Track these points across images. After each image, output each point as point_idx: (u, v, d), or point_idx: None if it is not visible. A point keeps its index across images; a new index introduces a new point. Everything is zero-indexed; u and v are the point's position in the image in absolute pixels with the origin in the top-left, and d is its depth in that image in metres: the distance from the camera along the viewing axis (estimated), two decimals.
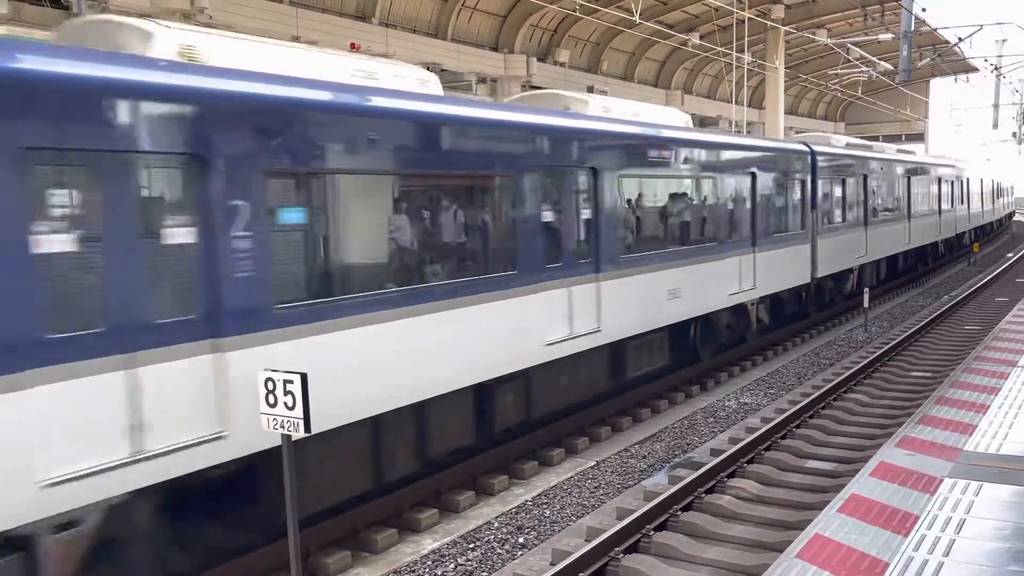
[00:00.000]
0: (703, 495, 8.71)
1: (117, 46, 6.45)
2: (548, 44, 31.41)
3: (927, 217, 27.22)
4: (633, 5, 26.16)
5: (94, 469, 5.46)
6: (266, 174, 6.53)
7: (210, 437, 6.14)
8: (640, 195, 11.76)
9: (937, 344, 16.73)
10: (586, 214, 10.37)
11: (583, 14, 27.90)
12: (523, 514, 8.65)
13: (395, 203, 8.03)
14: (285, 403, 5.50)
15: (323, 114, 7.07)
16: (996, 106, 54.41)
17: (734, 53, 29.83)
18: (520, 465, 9.78)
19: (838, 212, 19.02)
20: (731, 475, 9.37)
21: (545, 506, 8.87)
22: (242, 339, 6.30)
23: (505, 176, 9.12)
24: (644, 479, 9.66)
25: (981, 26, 30.86)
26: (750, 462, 9.82)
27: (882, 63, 33.66)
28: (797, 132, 33.10)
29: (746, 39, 30.56)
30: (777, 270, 15.80)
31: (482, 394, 9.07)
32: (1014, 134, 60.56)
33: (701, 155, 13.24)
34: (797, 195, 16.86)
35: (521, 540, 8.04)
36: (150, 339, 5.74)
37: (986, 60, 38.63)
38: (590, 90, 28.34)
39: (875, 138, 40.49)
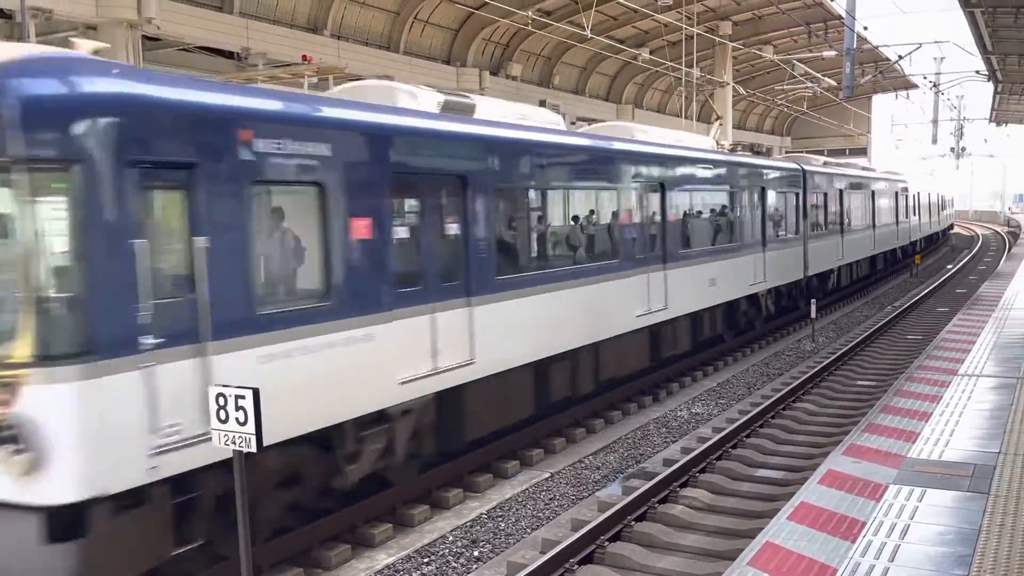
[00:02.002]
0: (656, 505, 8.77)
1: (393, 101, 9.40)
2: (500, 58, 31.58)
3: (888, 227, 30.68)
4: (584, 20, 26.42)
5: (418, 376, 8.54)
6: (496, 190, 9.84)
7: (466, 363, 9.19)
8: (691, 206, 15.24)
9: (881, 354, 17.07)
10: (656, 218, 13.55)
11: (535, 28, 28.10)
12: (478, 527, 8.62)
13: (567, 206, 11.79)
14: (237, 419, 5.43)
15: (528, 148, 10.58)
16: (935, 121, 56.06)
17: (683, 68, 30.29)
18: (475, 478, 9.75)
19: (822, 221, 22.54)
20: (683, 484, 9.45)
21: (500, 519, 8.85)
22: (480, 299, 9.44)
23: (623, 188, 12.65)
24: (598, 490, 9.69)
25: (920, 44, 31.80)
26: (702, 471, 9.91)
27: (826, 79, 34.48)
28: (744, 147, 33.66)
29: (695, 54, 31.04)
30: (782, 267, 19.32)
31: (596, 349, 12.01)
32: (952, 149, 62.41)
33: (727, 173, 16.77)
34: (793, 206, 20.31)
35: (476, 553, 8.00)
36: (440, 296, 8.87)
37: (925, 77, 39.84)
38: (542, 104, 28.47)
39: (820, 152, 41.34)
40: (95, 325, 5.80)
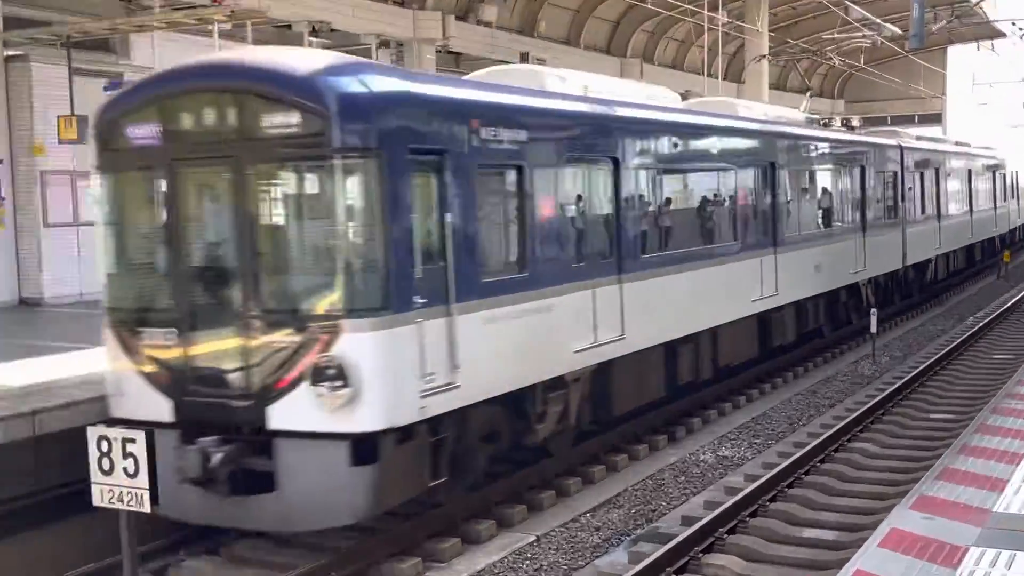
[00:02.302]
0: None
1: (541, 85, 12.54)
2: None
3: (986, 212, 33.56)
4: None
5: (585, 347, 11.72)
6: (640, 170, 13.17)
7: (617, 338, 12.29)
8: (797, 187, 18.54)
9: (960, 379, 17.24)
10: (767, 200, 16.90)
11: None
12: None
13: (694, 186, 15.63)
14: (125, 468, 5.40)
15: (668, 129, 14.22)
16: None
17: (705, 12, 30.41)
18: (438, 544, 9.77)
19: (920, 205, 25.43)
20: (707, 549, 9.47)
21: None
22: (629, 276, 12.56)
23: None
24: (597, 557, 9.69)
25: None
26: (731, 532, 9.92)
27: (889, 26, 34.79)
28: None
29: None
30: (881, 255, 22.24)
31: (714, 334, 15.12)
32: None
33: (830, 151, 20.11)
34: (891, 187, 23.31)
35: None
36: (599, 273, 12.02)
37: (1014, 23, 40.03)
38: (524, 59, 28.46)
39: (883, 120, 41.69)
40: (388, 286, 8.96)
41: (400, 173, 9.15)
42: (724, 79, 41.44)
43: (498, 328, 10.25)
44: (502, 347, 10.31)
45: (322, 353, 8.82)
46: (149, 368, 9.61)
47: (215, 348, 9.50)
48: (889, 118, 46.17)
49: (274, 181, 9.64)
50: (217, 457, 8.99)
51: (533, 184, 10.95)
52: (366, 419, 8.79)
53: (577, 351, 11.55)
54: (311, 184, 9.73)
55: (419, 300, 9.20)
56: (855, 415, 14.04)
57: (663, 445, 13.63)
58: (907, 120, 52.89)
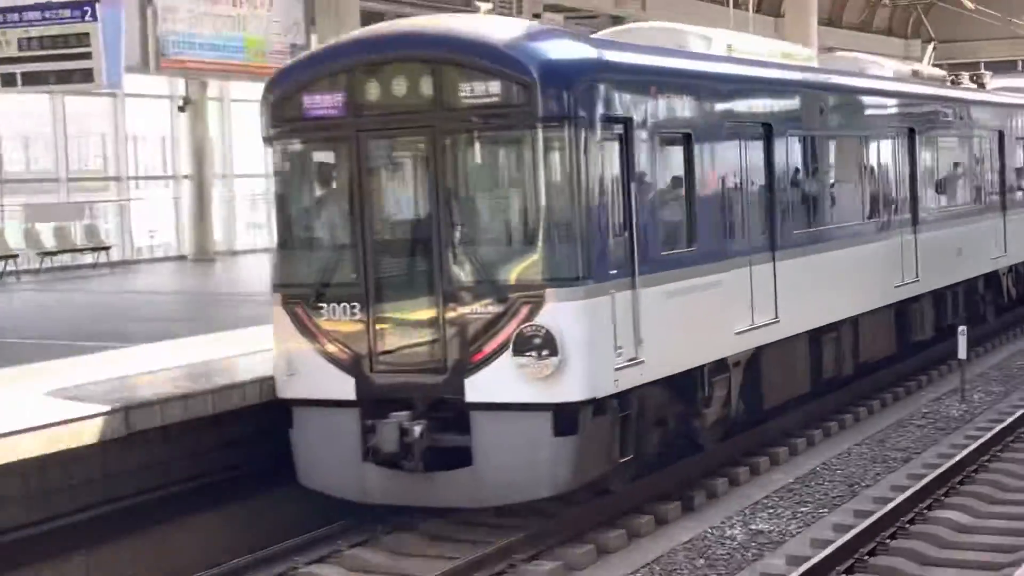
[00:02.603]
0: None
1: (683, 45, 15.00)
2: None
3: None
4: None
5: (745, 329, 14.11)
6: (792, 138, 15.61)
7: (771, 321, 14.56)
8: (937, 157, 20.90)
9: None
10: (907, 172, 19.59)
11: None
12: None
13: (842, 155, 18.67)
14: None
15: (818, 91, 17.00)
16: None
17: None
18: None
19: None
20: None
21: None
22: (781, 253, 14.88)
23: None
24: None
25: None
26: None
27: None
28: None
29: None
30: (1022, 238, 24.86)
31: (855, 324, 17.66)
32: None
33: (969, 114, 22.61)
34: None
35: None
36: (755, 249, 14.43)
37: None
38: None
39: (975, 64, 41.28)
40: (589, 256, 11.38)
41: (595, 142, 11.64)
42: (756, 12, 41.02)
43: (673, 304, 12.70)
44: (677, 324, 12.75)
45: (526, 323, 11.15)
46: (329, 345, 11.88)
47: (405, 322, 11.93)
48: (982, 64, 45.52)
49: (472, 151, 12.22)
50: (416, 430, 11.26)
51: (699, 153, 13.46)
52: (570, 389, 11.19)
53: (738, 332, 13.96)
54: (511, 154, 12.28)
55: (612, 272, 11.73)
56: (938, 472, 13.78)
57: (675, 515, 13.42)
58: (1007, 67, 52.54)
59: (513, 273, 11.35)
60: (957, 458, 14.42)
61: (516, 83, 11.13)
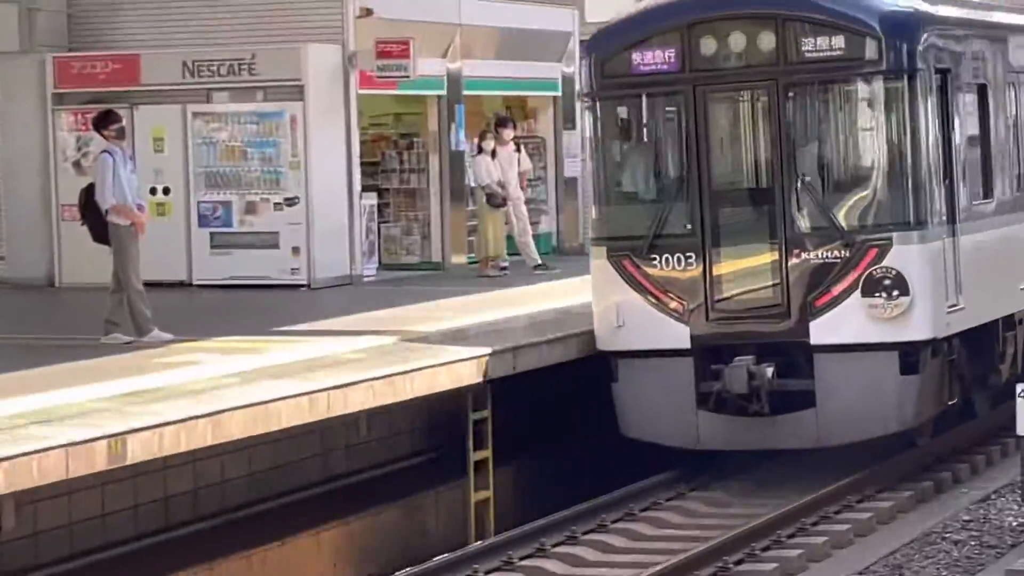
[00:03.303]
0: None
1: None
2: None
3: None
4: None
5: None
6: None
7: None
8: None
9: None
10: None
11: None
12: None
13: None
14: None
15: None
16: None
17: None
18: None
19: None
20: None
21: None
22: None
23: None
24: None
25: None
26: None
27: None
28: None
29: None
30: None
31: None
32: None
33: None
34: None
35: None
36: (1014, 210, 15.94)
37: None
38: None
39: None
40: (927, 202, 13.05)
41: (930, 93, 13.07)
42: None
43: (979, 254, 13.67)
44: (982, 275, 13.65)
45: (875, 265, 12.41)
46: (661, 296, 12.76)
47: (744, 269, 12.95)
48: None
49: (816, 103, 13.40)
50: (768, 372, 12.36)
51: (993, 103, 14.49)
52: (916, 329, 12.62)
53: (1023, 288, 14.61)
54: (856, 106, 13.57)
55: (942, 219, 13.15)
56: None
57: (948, 485, 13.08)
58: None
59: (858, 219, 12.60)
60: None
61: (862, 37, 12.37)
